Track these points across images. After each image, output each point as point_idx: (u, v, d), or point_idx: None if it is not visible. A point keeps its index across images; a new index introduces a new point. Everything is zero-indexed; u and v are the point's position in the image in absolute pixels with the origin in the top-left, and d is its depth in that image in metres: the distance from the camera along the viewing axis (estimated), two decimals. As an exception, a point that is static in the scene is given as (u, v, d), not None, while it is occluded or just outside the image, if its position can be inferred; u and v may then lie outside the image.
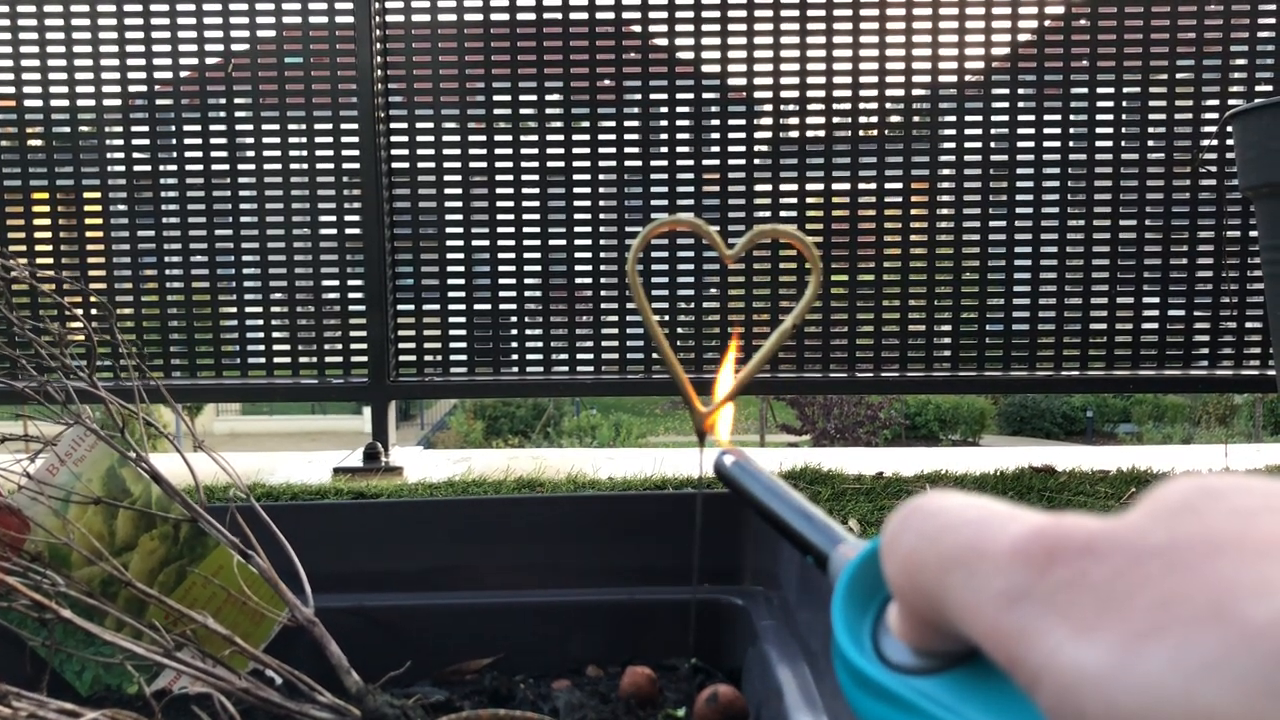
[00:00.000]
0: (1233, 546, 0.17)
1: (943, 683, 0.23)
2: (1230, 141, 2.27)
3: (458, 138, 2.47)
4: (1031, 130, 2.45)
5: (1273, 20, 2.39)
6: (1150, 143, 2.45)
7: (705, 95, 2.47)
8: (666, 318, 2.51)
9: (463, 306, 2.52)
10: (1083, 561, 0.19)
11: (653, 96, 2.46)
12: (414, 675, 0.75)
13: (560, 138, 2.47)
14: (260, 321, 2.53)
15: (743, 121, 2.47)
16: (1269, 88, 2.41)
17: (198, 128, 2.47)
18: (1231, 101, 2.40)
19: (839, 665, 0.26)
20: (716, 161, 2.47)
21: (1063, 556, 0.19)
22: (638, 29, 2.46)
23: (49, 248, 2.50)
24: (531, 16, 2.45)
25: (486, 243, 2.50)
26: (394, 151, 2.47)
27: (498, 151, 2.47)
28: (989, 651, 0.20)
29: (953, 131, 2.47)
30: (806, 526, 0.33)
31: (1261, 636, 0.16)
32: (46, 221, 2.49)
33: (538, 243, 2.50)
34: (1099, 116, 2.45)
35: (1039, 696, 0.19)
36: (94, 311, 2.38)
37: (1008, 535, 0.21)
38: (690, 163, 2.47)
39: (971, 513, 0.22)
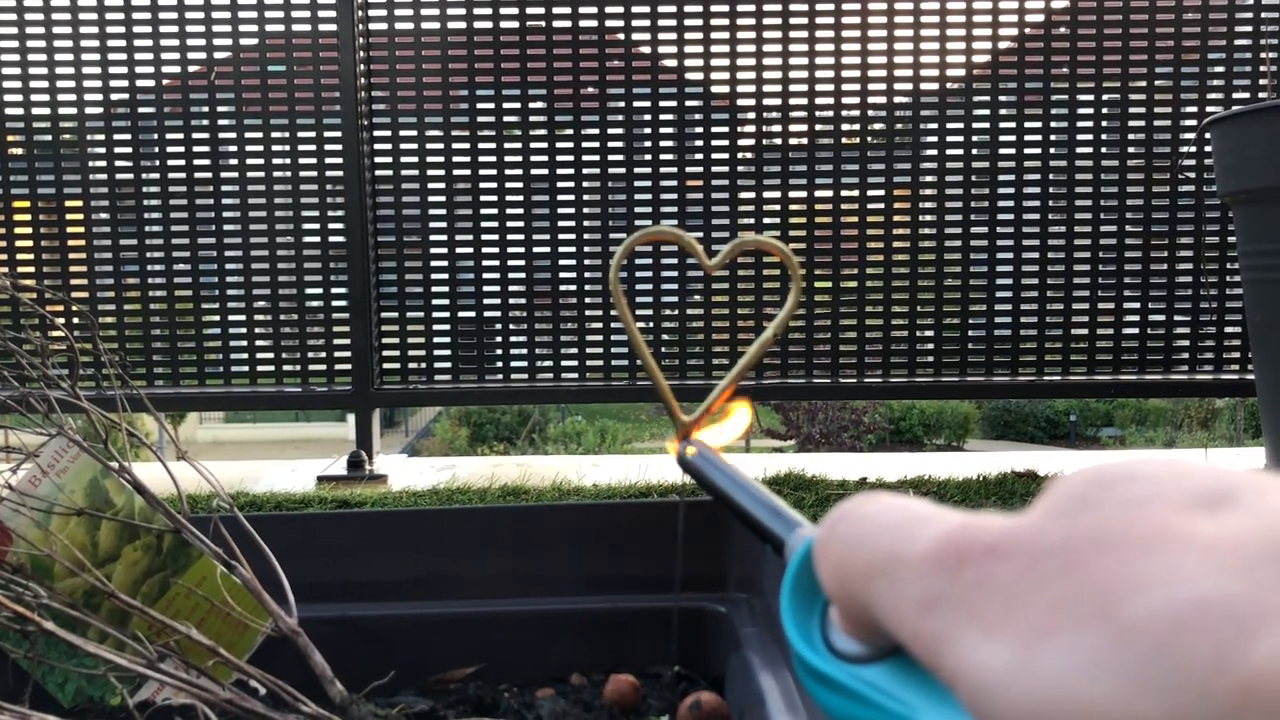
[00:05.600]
0: (1119, 542, 0.18)
1: (884, 669, 0.24)
2: (1209, 148, 2.29)
3: (441, 145, 2.47)
4: (1013, 137, 2.47)
5: (1249, 29, 2.42)
6: (1130, 149, 2.47)
7: (689, 103, 2.48)
8: (650, 324, 2.51)
9: (447, 314, 2.52)
10: (988, 563, 0.20)
11: (636, 104, 2.46)
12: (398, 684, 0.75)
13: (544, 145, 2.48)
14: (243, 329, 2.52)
15: (726, 129, 2.48)
16: (1246, 95, 2.43)
17: (180, 135, 2.46)
18: (1210, 109, 2.42)
19: (794, 658, 0.26)
20: (700, 169, 2.48)
21: (970, 559, 0.20)
22: (621, 36, 2.47)
23: (30, 256, 2.48)
24: (515, 25, 2.45)
25: (470, 250, 2.50)
26: (378, 159, 2.47)
27: (481, 159, 2.47)
28: (914, 653, 0.21)
29: (935, 139, 2.48)
30: (765, 514, 0.34)
31: (1137, 632, 0.16)
32: (28, 230, 2.48)
33: (522, 250, 2.50)
34: (1079, 124, 2.46)
35: (958, 696, 0.19)
36: (76, 321, 2.37)
37: (923, 540, 0.21)
38: (674, 170, 2.48)
39: (893, 517, 0.23)
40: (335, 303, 2.50)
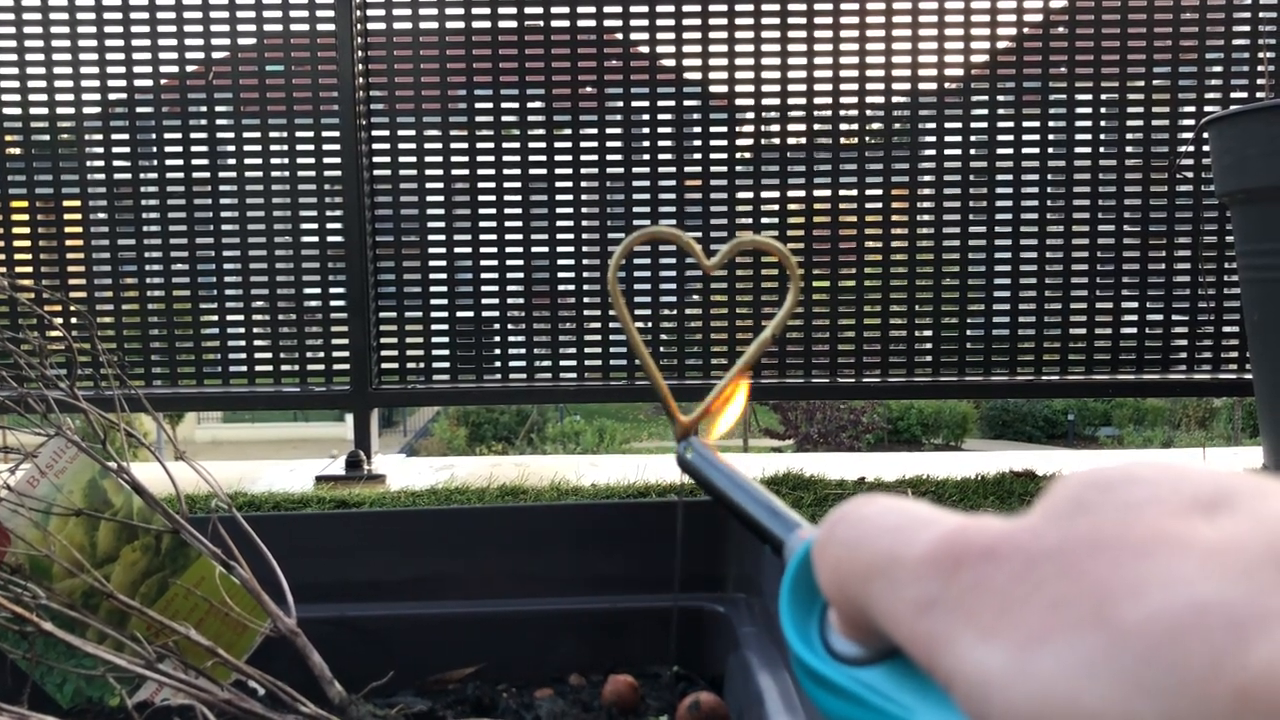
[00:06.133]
0: (1115, 545, 0.18)
1: (881, 672, 0.24)
2: (1207, 148, 2.30)
3: (440, 144, 2.47)
4: (1010, 137, 2.47)
5: (1247, 29, 2.42)
6: (1128, 149, 2.47)
7: (687, 103, 2.48)
8: (649, 324, 2.51)
9: (445, 313, 2.52)
10: (985, 565, 0.20)
11: (634, 104, 2.46)
12: (397, 685, 0.75)
13: (542, 145, 2.48)
14: (242, 329, 2.52)
15: (724, 129, 2.48)
16: (1244, 95, 2.43)
17: (178, 135, 2.46)
18: (1208, 108, 2.42)
19: (792, 659, 0.27)
20: (699, 169, 2.48)
21: (967, 561, 0.20)
22: (619, 36, 2.47)
23: (28, 257, 2.48)
24: (513, 24, 2.45)
25: (469, 249, 2.50)
26: (376, 159, 2.47)
27: (480, 159, 2.47)
28: (911, 655, 0.21)
29: (933, 139, 2.48)
30: (764, 514, 0.34)
31: (1133, 637, 0.17)
32: (25, 230, 2.48)
33: (520, 249, 2.50)
34: (1078, 123, 2.47)
35: (954, 697, 0.20)
36: (74, 320, 2.37)
37: (921, 543, 0.21)
38: (672, 170, 2.48)
39: (891, 519, 0.23)
40: (333, 303, 2.50)
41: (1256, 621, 0.16)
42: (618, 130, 2.47)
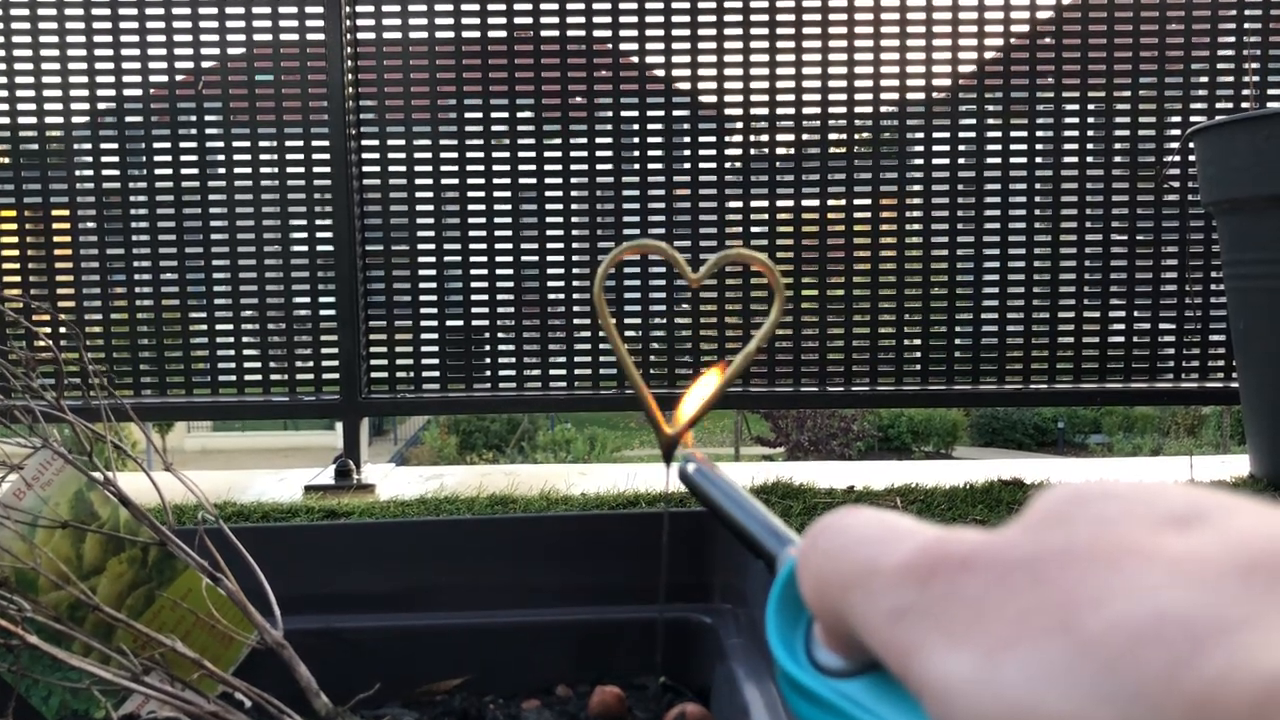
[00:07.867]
0: (1085, 557, 0.19)
1: (862, 684, 0.24)
2: (1193, 157, 2.31)
3: (429, 154, 2.47)
4: (999, 145, 2.48)
5: (1232, 39, 2.44)
6: (1116, 159, 2.48)
7: (676, 112, 2.48)
8: (639, 334, 2.51)
9: (435, 322, 2.52)
10: (960, 575, 0.20)
11: (624, 114, 2.47)
12: (383, 697, 0.75)
13: (532, 154, 2.48)
14: (231, 339, 2.51)
15: (713, 139, 2.49)
16: (1229, 104, 2.45)
17: (168, 144, 2.46)
18: (1194, 118, 2.44)
19: (776, 671, 0.27)
20: (688, 178, 2.48)
21: (942, 571, 0.21)
22: (609, 46, 2.47)
23: (16, 266, 2.48)
24: (503, 34, 2.46)
25: (459, 258, 2.50)
26: (365, 168, 2.47)
27: (469, 167, 2.48)
28: (887, 664, 0.22)
29: (921, 148, 2.49)
30: (758, 529, 0.34)
31: (1096, 645, 0.17)
32: (14, 240, 2.47)
33: (510, 258, 2.50)
34: (1065, 132, 2.48)
35: (925, 705, 0.20)
36: (63, 331, 2.36)
37: (898, 553, 0.22)
38: (662, 179, 2.48)
39: (872, 531, 0.23)
40: (323, 311, 2.50)
41: (1215, 632, 0.16)
42: (607, 139, 2.47)
